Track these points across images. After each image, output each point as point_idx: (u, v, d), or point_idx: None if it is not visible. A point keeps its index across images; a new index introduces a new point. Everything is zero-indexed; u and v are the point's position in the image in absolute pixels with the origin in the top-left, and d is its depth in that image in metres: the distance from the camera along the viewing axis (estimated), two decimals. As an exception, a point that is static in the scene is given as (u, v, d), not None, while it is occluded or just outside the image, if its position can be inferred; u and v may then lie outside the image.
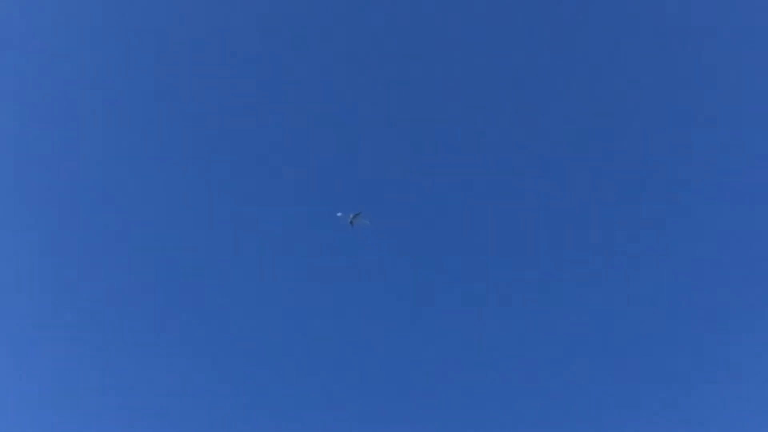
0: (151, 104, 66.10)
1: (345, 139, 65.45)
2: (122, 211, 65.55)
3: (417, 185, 63.01)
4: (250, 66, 66.62)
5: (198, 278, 65.20)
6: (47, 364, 63.77)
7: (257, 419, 62.16)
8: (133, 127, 65.96)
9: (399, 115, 64.65)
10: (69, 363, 63.59)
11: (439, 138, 64.01)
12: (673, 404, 57.43)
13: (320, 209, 61.99)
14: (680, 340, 58.98)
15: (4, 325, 64.76)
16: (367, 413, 60.71)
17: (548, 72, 63.69)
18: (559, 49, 63.21)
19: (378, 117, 64.88)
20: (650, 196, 61.35)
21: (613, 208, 62.06)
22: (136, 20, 65.67)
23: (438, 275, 63.28)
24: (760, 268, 57.66)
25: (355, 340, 63.69)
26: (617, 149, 62.39)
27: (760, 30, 59.77)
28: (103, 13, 65.91)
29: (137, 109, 66.25)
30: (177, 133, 65.91)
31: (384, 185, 62.51)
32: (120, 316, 64.40)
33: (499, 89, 64.69)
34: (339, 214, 55.03)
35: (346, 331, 63.63)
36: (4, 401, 62.68)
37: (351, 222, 54.84)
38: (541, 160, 62.98)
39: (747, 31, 60.31)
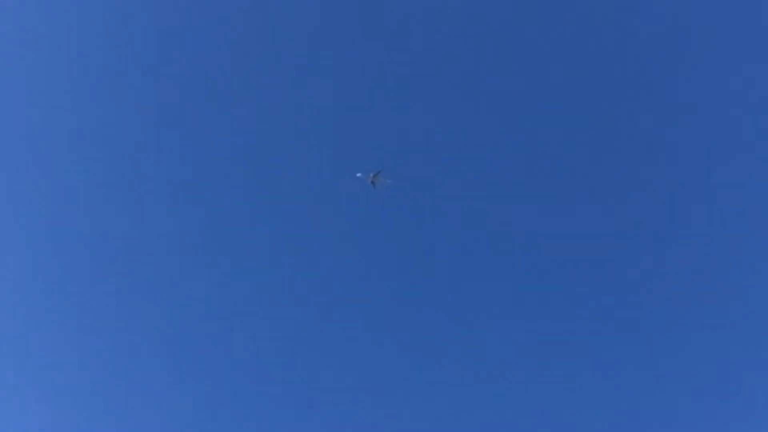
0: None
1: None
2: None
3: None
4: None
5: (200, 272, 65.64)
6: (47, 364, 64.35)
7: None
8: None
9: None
10: (69, 363, 64.13)
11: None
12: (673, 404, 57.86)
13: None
14: (680, 340, 59.32)
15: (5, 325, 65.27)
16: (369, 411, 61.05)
17: (554, 72, 64.00)
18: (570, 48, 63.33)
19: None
20: (650, 196, 61.69)
21: (613, 208, 62.40)
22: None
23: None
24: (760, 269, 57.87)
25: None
26: (622, 149, 62.71)
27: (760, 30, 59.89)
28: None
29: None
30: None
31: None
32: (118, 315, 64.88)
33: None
34: (358, 174, 53.39)
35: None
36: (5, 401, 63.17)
37: (372, 182, 53.28)
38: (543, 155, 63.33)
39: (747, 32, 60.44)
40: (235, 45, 65.20)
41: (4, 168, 65.20)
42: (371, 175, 52.94)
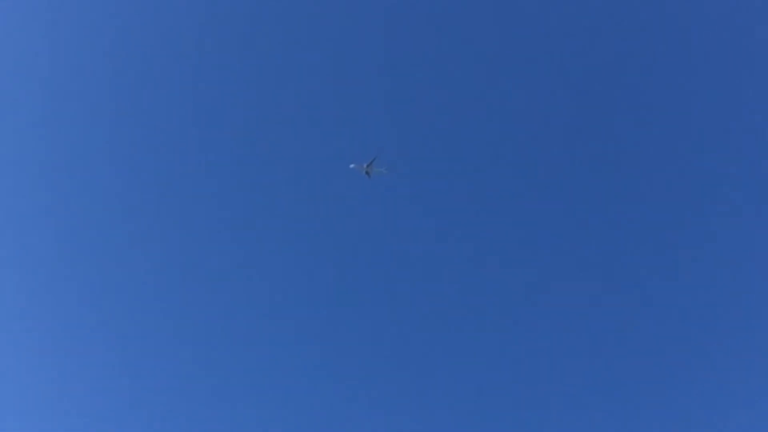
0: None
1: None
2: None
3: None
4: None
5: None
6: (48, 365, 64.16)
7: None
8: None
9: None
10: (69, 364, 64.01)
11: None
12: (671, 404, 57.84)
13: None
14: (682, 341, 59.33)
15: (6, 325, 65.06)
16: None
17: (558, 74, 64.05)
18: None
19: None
20: (651, 198, 61.71)
21: (616, 210, 62.45)
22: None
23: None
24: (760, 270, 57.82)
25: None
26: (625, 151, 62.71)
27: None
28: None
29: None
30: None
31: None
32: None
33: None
34: (351, 165, 51.48)
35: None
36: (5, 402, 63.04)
37: (366, 172, 51.51)
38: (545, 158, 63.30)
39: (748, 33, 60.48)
40: (231, 41, 65.56)
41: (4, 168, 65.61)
42: (365, 165, 51.15)
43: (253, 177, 64.01)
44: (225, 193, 64.27)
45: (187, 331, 63.32)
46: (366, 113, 62.76)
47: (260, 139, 64.34)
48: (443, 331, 61.50)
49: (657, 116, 61.63)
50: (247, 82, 65.31)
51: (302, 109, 63.77)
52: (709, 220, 59.41)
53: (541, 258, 61.15)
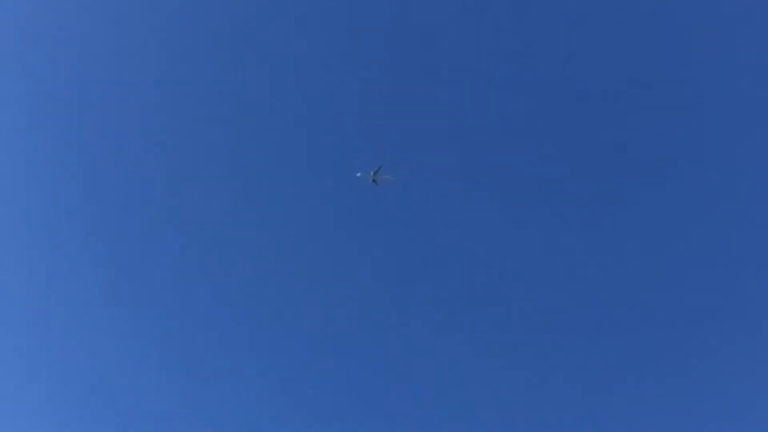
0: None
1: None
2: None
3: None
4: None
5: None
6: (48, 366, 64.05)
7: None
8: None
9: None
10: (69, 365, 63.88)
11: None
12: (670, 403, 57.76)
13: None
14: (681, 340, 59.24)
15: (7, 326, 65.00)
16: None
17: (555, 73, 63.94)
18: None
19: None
20: (650, 198, 61.61)
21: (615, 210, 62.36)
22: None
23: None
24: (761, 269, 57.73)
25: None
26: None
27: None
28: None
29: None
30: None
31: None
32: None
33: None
34: (358, 174, 51.61)
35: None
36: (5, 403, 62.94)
37: (374, 180, 51.61)
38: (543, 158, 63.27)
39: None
40: (232, 43, 65.44)
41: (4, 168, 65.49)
42: (371, 173, 51.22)
43: (256, 180, 64.22)
44: (224, 197, 64.42)
45: (186, 332, 63.48)
46: (371, 119, 63.15)
47: (262, 143, 64.75)
48: (445, 332, 61.69)
49: (657, 118, 61.75)
50: (247, 86, 65.66)
51: (305, 113, 63.99)
52: (712, 221, 59.53)
53: (544, 260, 61.22)
